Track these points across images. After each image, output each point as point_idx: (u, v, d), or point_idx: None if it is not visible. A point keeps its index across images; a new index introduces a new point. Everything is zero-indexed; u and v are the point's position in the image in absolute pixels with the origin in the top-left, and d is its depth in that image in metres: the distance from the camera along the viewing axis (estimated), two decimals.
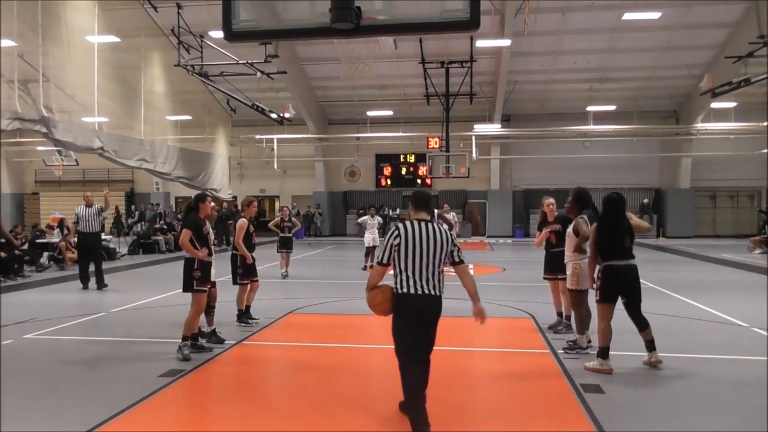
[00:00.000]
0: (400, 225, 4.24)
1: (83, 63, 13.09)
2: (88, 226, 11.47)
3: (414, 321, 4.18)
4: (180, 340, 6.12)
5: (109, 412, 4.51)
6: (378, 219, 15.09)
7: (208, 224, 6.98)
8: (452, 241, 4.26)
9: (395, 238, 4.17)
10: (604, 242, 5.63)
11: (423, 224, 4.22)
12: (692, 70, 22.27)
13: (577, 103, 25.42)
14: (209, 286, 6.44)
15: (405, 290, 4.15)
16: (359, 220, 16.13)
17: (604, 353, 5.57)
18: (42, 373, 5.66)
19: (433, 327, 4.26)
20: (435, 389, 5.18)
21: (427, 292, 4.14)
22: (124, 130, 15.12)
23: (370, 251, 14.33)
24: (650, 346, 5.71)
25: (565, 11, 19.77)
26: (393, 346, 4.30)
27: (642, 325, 5.73)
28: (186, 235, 6.20)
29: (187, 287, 6.22)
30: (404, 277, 4.15)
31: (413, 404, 4.17)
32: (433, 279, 4.19)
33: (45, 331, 7.54)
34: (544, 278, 7.59)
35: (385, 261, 4.20)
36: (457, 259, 4.28)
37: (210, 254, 6.38)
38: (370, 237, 14.50)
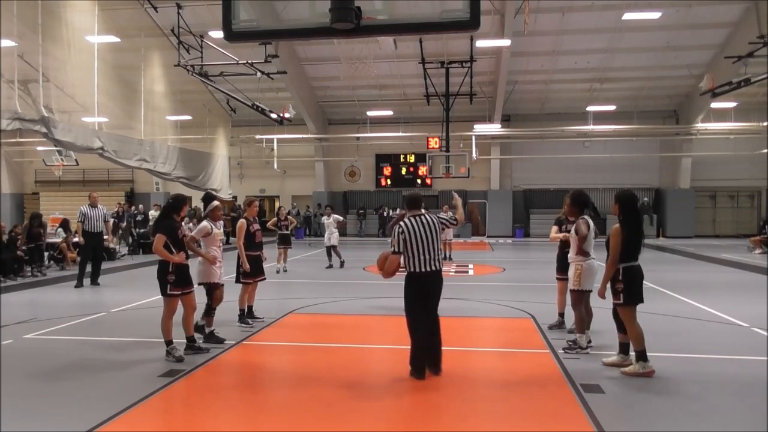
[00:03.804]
0: (403, 222, 5.42)
1: (83, 63, 13.12)
2: (94, 226, 11.59)
3: (420, 292, 5.39)
4: (165, 346, 6.05)
5: (109, 412, 4.51)
6: (335, 217, 14.73)
7: (211, 225, 6.96)
8: (440, 220, 5.55)
9: (401, 233, 5.35)
10: (629, 243, 5.42)
11: (418, 218, 5.44)
12: (692, 70, 22.28)
13: (577, 103, 25.43)
14: (190, 290, 6.22)
15: (413, 269, 5.35)
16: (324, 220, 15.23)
17: (643, 356, 5.43)
18: (42, 373, 5.66)
19: (438, 294, 5.49)
20: (435, 388, 5.19)
21: (432, 269, 5.36)
22: (124, 130, 15.15)
23: (329, 251, 14.63)
24: (625, 348, 5.69)
25: (565, 11, 19.78)
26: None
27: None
28: (160, 240, 5.93)
29: (162, 291, 6.07)
30: (413, 260, 5.33)
31: (415, 355, 5.41)
32: (435, 257, 5.37)
33: (45, 331, 7.54)
34: (557, 278, 7.47)
35: (397, 250, 5.37)
36: (449, 224, 5.76)
37: (187, 257, 6.18)
38: (327, 236, 14.60)
